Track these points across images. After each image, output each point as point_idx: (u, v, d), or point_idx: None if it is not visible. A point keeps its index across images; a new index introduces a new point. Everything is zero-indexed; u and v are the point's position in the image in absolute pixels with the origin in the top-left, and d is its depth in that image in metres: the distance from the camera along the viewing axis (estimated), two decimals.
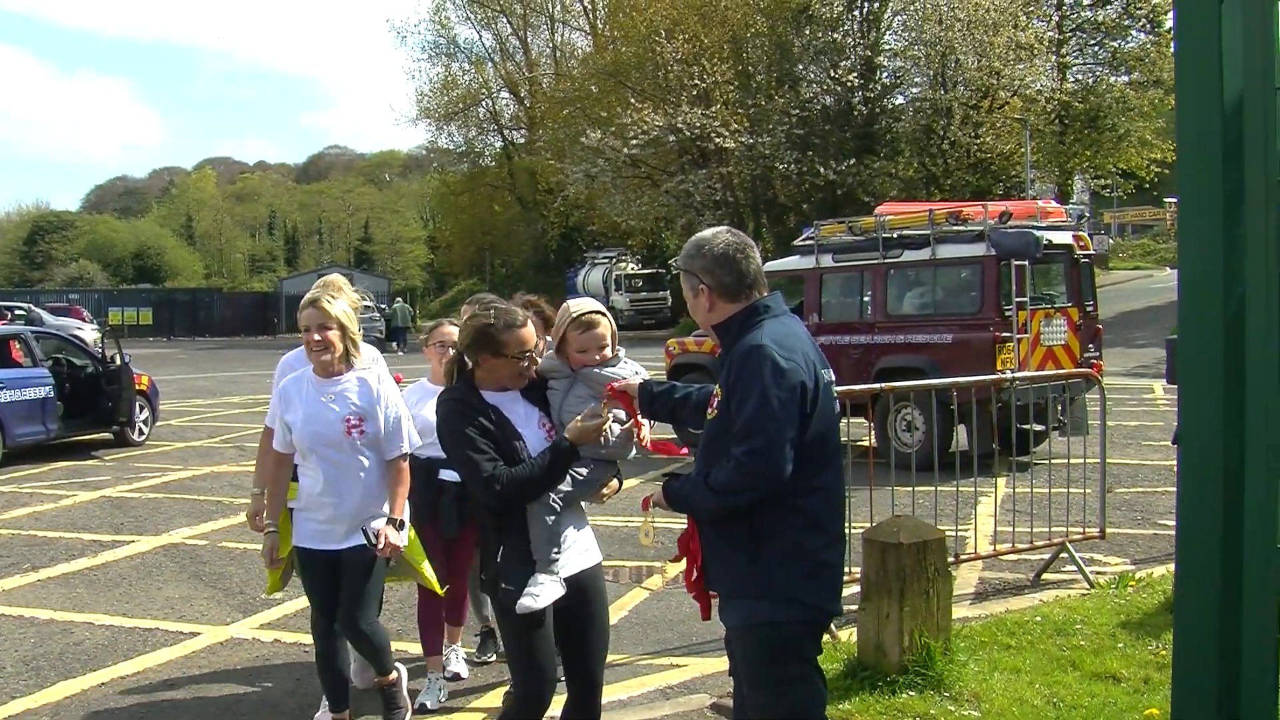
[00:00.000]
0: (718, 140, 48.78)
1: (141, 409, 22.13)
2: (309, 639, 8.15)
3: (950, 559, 9.97)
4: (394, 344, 56.58)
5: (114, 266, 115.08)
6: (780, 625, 4.68)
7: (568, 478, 5.46)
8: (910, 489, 11.32)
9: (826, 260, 18.21)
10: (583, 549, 5.67)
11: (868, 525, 8.37)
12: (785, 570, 4.64)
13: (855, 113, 50.10)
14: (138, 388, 21.83)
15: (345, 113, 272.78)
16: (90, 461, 20.41)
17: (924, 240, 17.01)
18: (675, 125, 49.01)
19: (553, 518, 5.46)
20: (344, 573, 6.71)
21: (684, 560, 5.01)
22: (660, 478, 6.63)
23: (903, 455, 15.20)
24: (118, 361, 21.45)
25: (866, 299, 17.80)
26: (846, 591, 9.03)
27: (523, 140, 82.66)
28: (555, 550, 5.44)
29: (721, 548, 4.77)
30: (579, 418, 5.41)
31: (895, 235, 17.42)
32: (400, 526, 6.70)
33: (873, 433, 14.38)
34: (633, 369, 5.69)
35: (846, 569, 8.95)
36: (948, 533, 10.11)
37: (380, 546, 6.54)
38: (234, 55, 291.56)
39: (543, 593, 5.33)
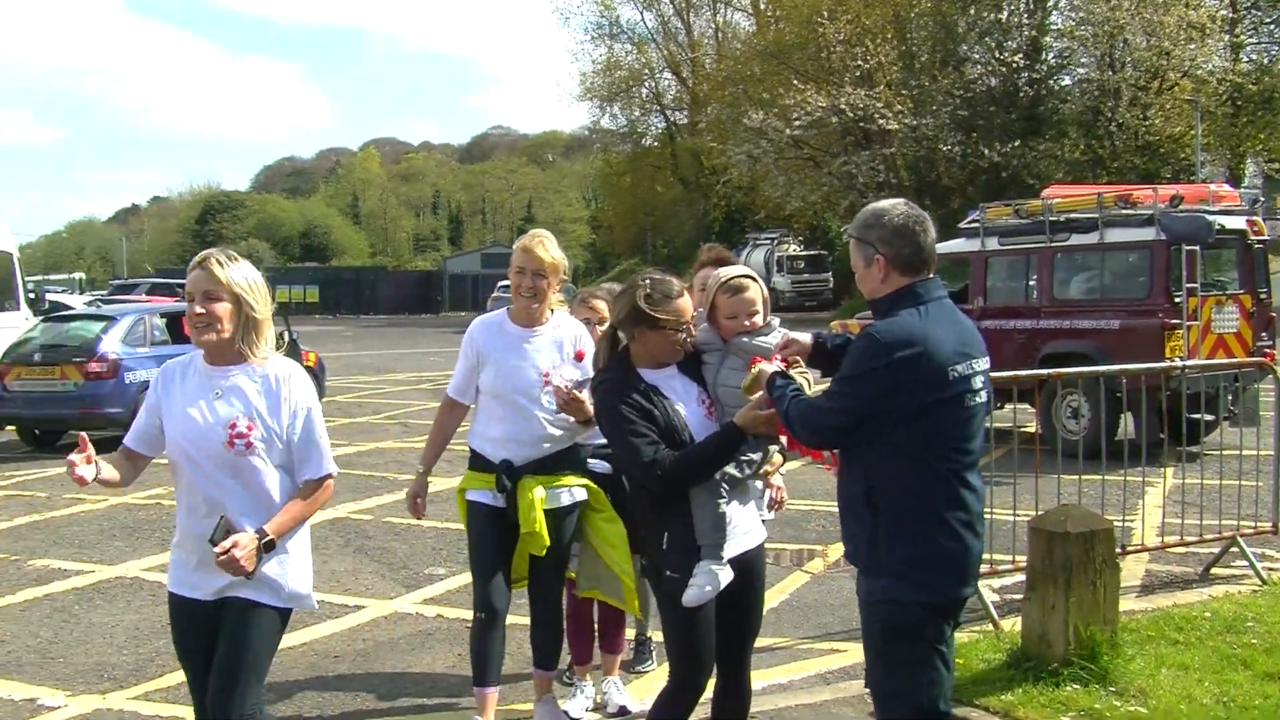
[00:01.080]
0: (881, 122, 48.29)
1: None
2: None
3: (1116, 550, 9.86)
4: None
5: (282, 245, 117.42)
6: (900, 604, 4.70)
7: (734, 458, 5.27)
8: (1076, 478, 11.10)
9: (992, 243, 17.97)
10: (746, 529, 5.48)
11: (1032, 514, 8.24)
12: (906, 550, 4.68)
13: (1020, 94, 49.20)
14: (305, 364, 22.22)
15: (508, 94, 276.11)
16: None
17: (1092, 224, 16.66)
18: (838, 106, 48.59)
19: (719, 502, 5.25)
20: (221, 635, 5.11)
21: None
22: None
23: (1068, 443, 14.93)
24: (285, 339, 21.88)
25: (1032, 283, 17.51)
26: (1011, 580, 9.01)
27: (685, 121, 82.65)
28: (721, 536, 5.24)
29: (847, 517, 4.92)
30: (750, 406, 5.18)
31: (1062, 218, 17.10)
32: (268, 550, 4.98)
33: (1038, 419, 14.18)
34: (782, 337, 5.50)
35: (1011, 558, 8.92)
36: (1116, 523, 9.97)
37: (217, 552, 4.83)
38: (399, 38, 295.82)
39: (711, 582, 5.17)
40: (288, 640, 8.85)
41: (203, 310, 5.07)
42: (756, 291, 5.48)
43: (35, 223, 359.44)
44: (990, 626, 8.56)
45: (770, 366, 5.12)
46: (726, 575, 5.21)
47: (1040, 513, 8.09)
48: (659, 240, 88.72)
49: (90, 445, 5.00)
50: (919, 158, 51.33)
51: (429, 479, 7.02)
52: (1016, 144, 46.91)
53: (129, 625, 9.54)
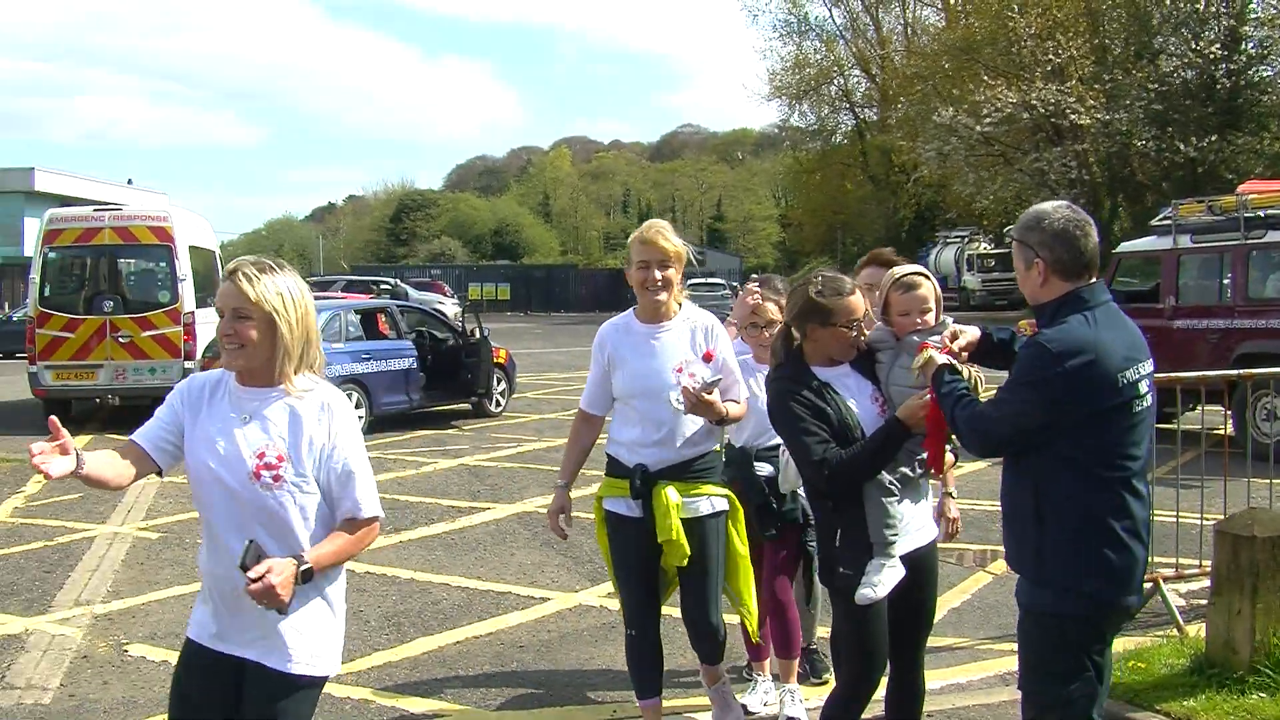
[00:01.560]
0: (1073, 117, 47.42)
1: (499, 381, 22.96)
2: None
3: None
4: None
5: (474, 243, 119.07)
6: (1065, 618, 4.71)
7: (905, 455, 5.33)
8: (1267, 481, 10.86)
9: (1185, 241, 17.62)
10: (918, 526, 5.53)
11: (1220, 518, 8.09)
12: (1072, 561, 4.67)
13: (1218, 86, 47.90)
14: (496, 361, 22.64)
15: (698, 92, 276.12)
16: (450, 430, 21.31)
17: None
18: (1029, 102, 47.86)
19: (890, 499, 5.30)
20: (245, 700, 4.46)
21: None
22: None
23: (1261, 445, 14.61)
24: (477, 335, 22.31)
25: (1226, 281, 17.13)
26: (1197, 585, 8.84)
27: (875, 118, 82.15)
28: (893, 534, 5.29)
29: (1012, 524, 4.93)
30: (914, 399, 5.22)
31: (1259, 215, 16.67)
32: (305, 580, 4.27)
33: (1230, 421, 13.87)
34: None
35: (1199, 562, 8.77)
36: None
37: (250, 577, 4.13)
38: (588, 35, 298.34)
39: (883, 580, 5.21)
40: (476, 629, 9.15)
41: (230, 331, 4.41)
42: (929, 289, 5.52)
43: (237, 220, 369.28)
44: (1174, 631, 8.44)
45: (941, 357, 5.11)
46: (898, 573, 5.26)
47: (1227, 516, 7.93)
48: (849, 238, 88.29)
49: (65, 433, 4.18)
50: (1112, 153, 50.31)
51: (570, 494, 6.72)
52: (1214, 138, 45.70)
53: None
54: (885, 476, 5.31)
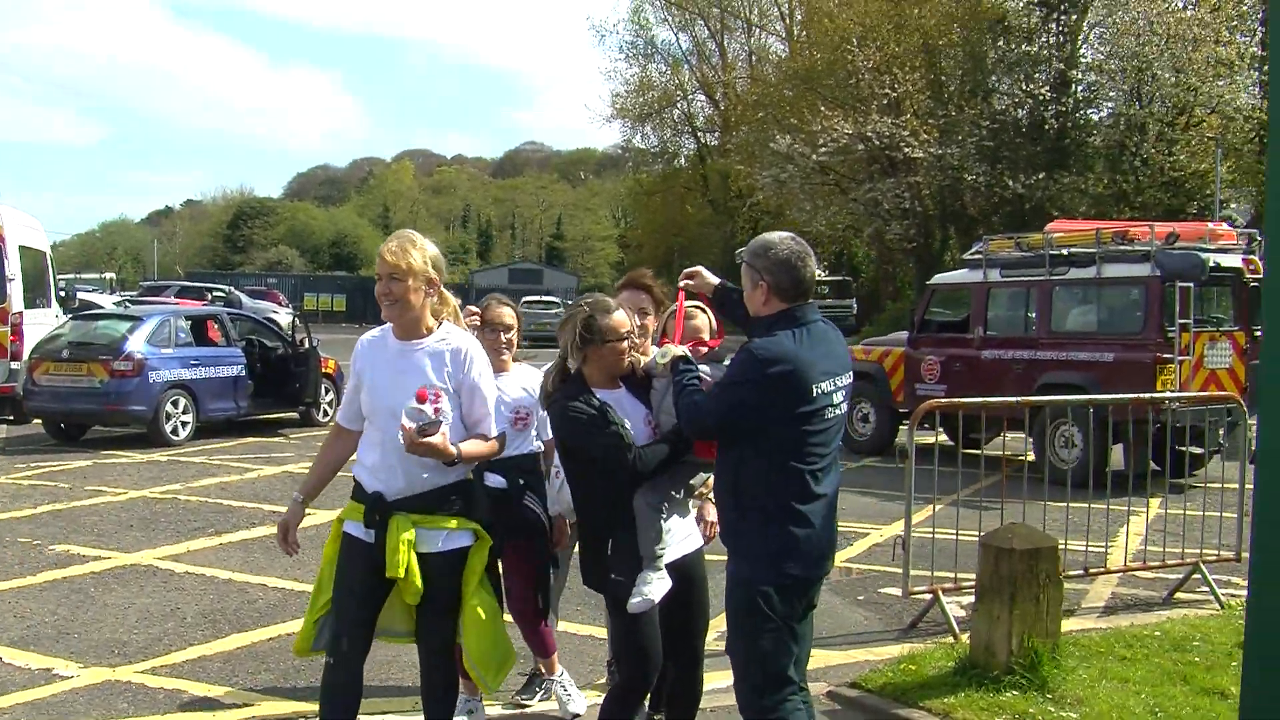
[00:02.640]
0: (907, 150, 48.49)
1: (327, 391, 23.12)
2: None
3: (1081, 573, 10.29)
4: None
5: (311, 253, 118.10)
6: (755, 587, 5.43)
7: (669, 480, 5.87)
8: (1064, 504, 11.54)
9: (994, 275, 18.34)
10: (684, 535, 6.07)
11: None
12: (761, 538, 5.41)
13: (1047, 126, 49.36)
14: (324, 370, 22.81)
15: (545, 110, 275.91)
16: (276, 439, 21.45)
17: (1090, 258, 17.00)
18: (864, 134, 48.86)
19: (659, 517, 5.80)
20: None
21: None
22: None
23: (1059, 471, 15.41)
24: (306, 345, 22.45)
25: (1032, 315, 17.90)
26: (971, 599, 9.39)
27: (716, 143, 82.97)
28: (661, 547, 5.77)
29: (718, 499, 5.80)
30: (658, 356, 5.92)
31: (1063, 253, 17.49)
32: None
33: (1031, 448, 14.57)
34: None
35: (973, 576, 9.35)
36: (1091, 547, 10.41)
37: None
38: (439, 48, 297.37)
39: (653, 589, 5.70)
40: (291, 625, 9.42)
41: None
42: (705, 321, 6.38)
43: (72, 221, 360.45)
44: (950, 639, 9.01)
45: (677, 349, 5.86)
46: (666, 583, 5.77)
47: (991, 530, 8.53)
48: (686, 261, 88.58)
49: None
50: (944, 186, 51.49)
51: (306, 510, 6.44)
52: (1041, 176, 47.03)
53: (141, 607, 10.07)
54: (653, 497, 5.80)
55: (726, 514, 5.64)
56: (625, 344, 5.97)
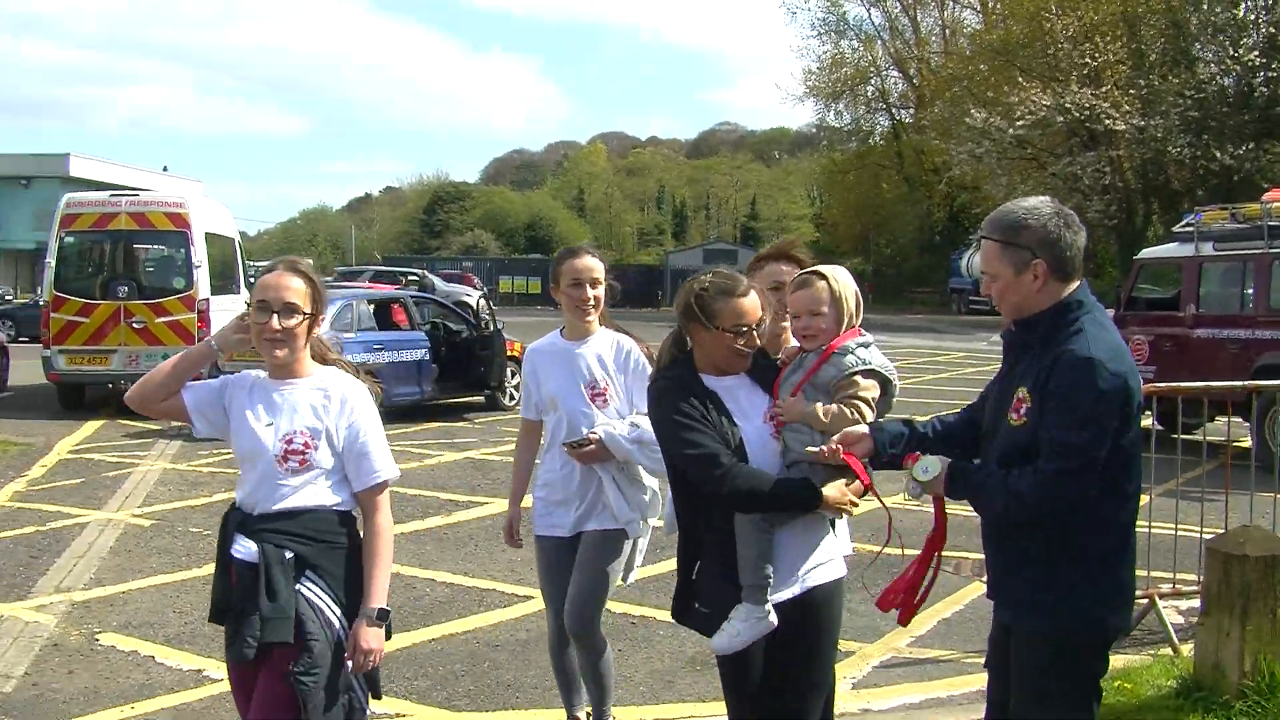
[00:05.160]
0: (1107, 122, 46.97)
1: (513, 374, 22.72)
2: (641, 610, 8.24)
3: None
4: None
5: (506, 236, 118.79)
6: (1074, 642, 4.36)
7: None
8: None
9: (1207, 248, 17.25)
10: (815, 563, 4.82)
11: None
12: (1088, 586, 4.31)
13: (1256, 94, 47.40)
14: (510, 354, 22.44)
15: (741, 90, 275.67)
16: (460, 423, 21.17)
17: None
18: (1063, 105, 47.41)
19: (765, 535, 4.65)
20: None
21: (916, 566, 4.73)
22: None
23: None
24: (491, 328, 22.14)
25: (1249, 291, 16.76)
26: (1197, 603, 8.54)
27: (910, 120, 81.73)
28: (765, 577, 4.62)
29: (1015, 555, 4.41)
30: (836, 481, 4.59)
31: None
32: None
33: (1251, 434, 13.57)
34: (874, 358, 4.81)
35: (1198, 578, 8.51)
36: None
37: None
38: (636, 31, 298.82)
39: (745, 630, 4.60)
40: (453, 626, 9.01)
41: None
42: (824, 289, 4.83)
43: (275, 210, 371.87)
44: (1169, 650, 8.16)
45: (928, 464, 4.44)
46: (765, 625, 4.61)
47: (1221, 533, 7.65)
48: (882, 239, 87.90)
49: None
50: (1146, 160, 49.84)
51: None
52: (1250, 146, 45.21)
53: None
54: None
55: (1032, 560, 4.35)
56: (746, 340, 4.80)
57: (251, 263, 33.78)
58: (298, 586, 4.62)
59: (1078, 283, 4.40)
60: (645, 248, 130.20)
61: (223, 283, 23.87)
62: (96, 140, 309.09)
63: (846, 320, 4.84)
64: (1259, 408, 15.04)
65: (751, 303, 4.80)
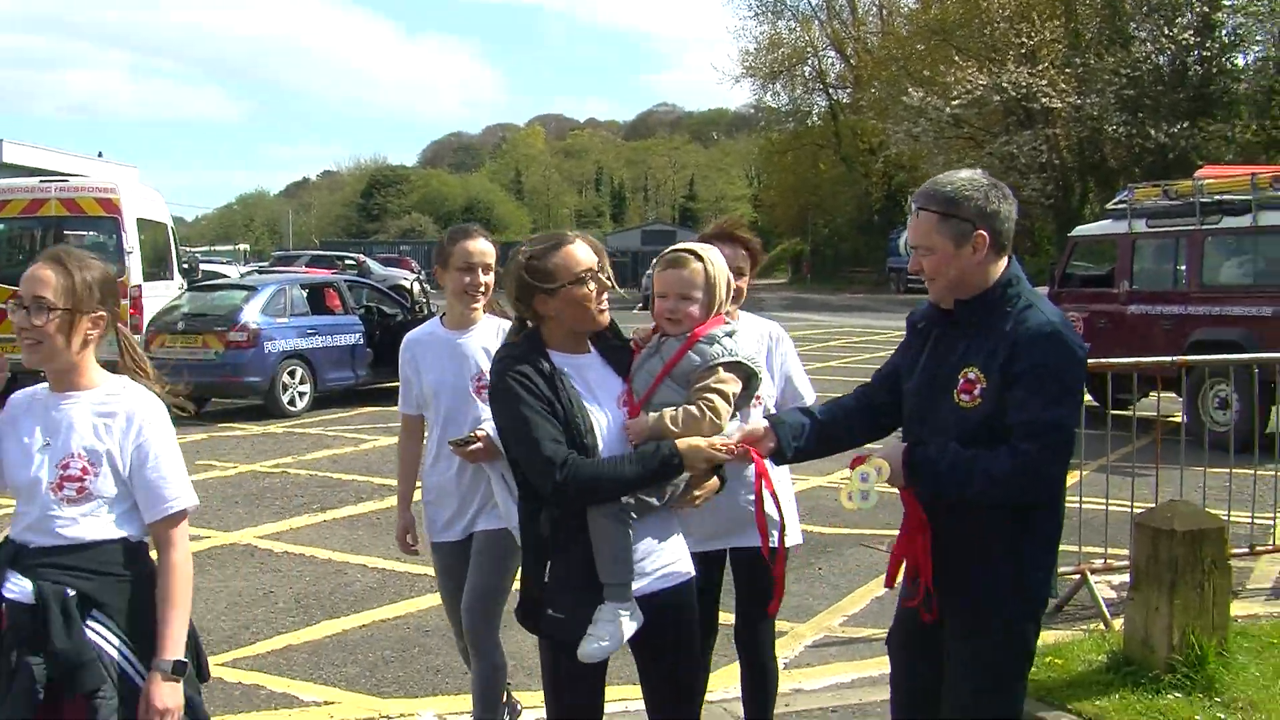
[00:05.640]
0: (1044, 100, 47.22)
1: None
2: None
3: (1245, 550, 9.37)
4: None
5: (445, 219, 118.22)
6: (1029, 625, 4.29)
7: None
8: (1227, 471, 10.58)
9: (1140, 225, 17.24)
10: (665, 560, 4.37)
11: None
12: (1041, 569, 4.24)
13: (1190, 73, 47.80)
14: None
15: (680, 72, 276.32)
16: (394, 407, 20.88)
17: (1245, 206, 15.85)
18: (1000, 84, 47.63)
19: (625, 529, 4.20)
20: None
21: (903, 565, 4.43)
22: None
23: (1216, 434, 14.36)
24: (426, 312, 21.98)
25: (1182, 267, 16.80)
26: (1123, 579, 8.57)
27: (848, 100, 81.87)
28: (627, 571, 4.18)
29: (972, 540, 4.21)
30: (696, 437, 4.19)
31: (1214, 200, 16.36)
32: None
33: (1184, 409, 13.63)
34: (740, 349, 4.40)
35: (1130, 552, 8.51)
36: (1254, 520, 9.51)
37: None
38: (574, 13, 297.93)
39: (612, 633, 4.11)
40: (384, 611, 8.98)
41: None
42: (699, 271, 4.40)
43: (214, 195, 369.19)
44: (1100, 625, 8.15)
45: (876, 465, 4.21)
46: (634, 623, 4.16)
47: (1149, 509, 7.63)
48: (820, 220, 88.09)
49: None
50: (1083, 138, 50.17)
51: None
52: (1185, 125, 45.56)
53: (233, 591, 9.59)
54: (615, 504, 4.21)
55: (994, 551, 4.17)
56: (590, 287, 4.29)
57: (186, 248, 33.43)
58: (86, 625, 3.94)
59: (1008, 257, 4.29)
60: (583, 229, 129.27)
61: (156, 269, 23.56)
62: (32, 126, 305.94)
63: (716, 306, 4.43)
64: (1190, 383, 15.11)
65: (583, 249, 4.34)
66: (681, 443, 4.15)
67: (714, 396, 4.27)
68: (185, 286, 23.99)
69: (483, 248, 5.88)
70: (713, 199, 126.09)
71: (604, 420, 4.27)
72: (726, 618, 5.66)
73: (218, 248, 79.91)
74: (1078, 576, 8.67)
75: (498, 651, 5.87)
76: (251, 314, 19.60)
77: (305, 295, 21.17)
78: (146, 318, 21.20)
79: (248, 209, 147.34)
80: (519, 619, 4.36)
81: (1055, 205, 51.84)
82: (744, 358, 4.37)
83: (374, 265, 53.90)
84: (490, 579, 5.79)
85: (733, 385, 4.33)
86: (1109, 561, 8.76)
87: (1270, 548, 9.69)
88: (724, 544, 5.36)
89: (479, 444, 5.23)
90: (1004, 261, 4.26)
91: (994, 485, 4.04)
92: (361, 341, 21.02)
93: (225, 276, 34.13)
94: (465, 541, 5.89)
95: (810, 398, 5.62)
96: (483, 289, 5.87)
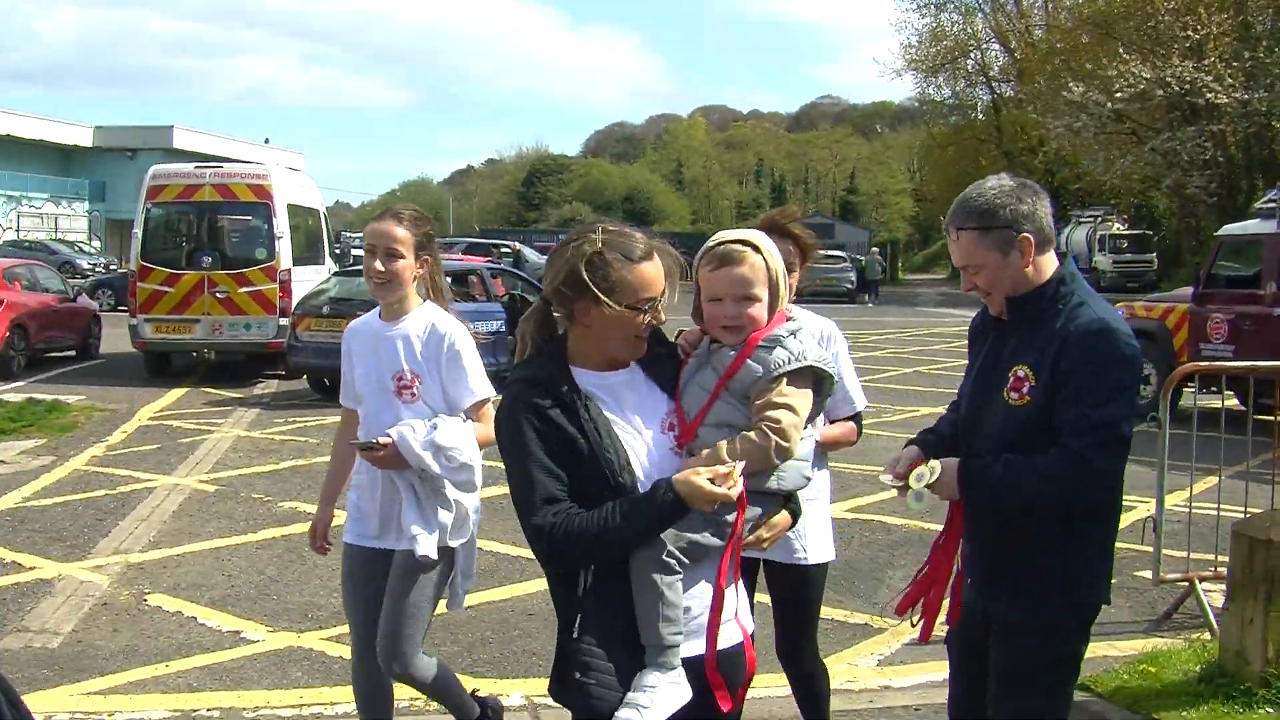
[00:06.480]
0: (1210, 95, 46.13)
1: None
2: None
3: None
4: (865, 295, 56.59)
5: (604, 209, 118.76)
6: (1074, 629, 4.24)
7: (700, 516, 3.47)
8: None
9: None
10: (725, 617, 3.62)
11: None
12: (1089, 574, 4.19)
13: None
14: None
15: (845, 64, 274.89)
16: None
17: None
18: (1164, 79, 46.63)
19: (672, 579, 3.49)
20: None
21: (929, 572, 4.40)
22: None
23: None
24: None
25: None
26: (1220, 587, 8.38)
27: (1012, 94, 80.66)
28: (675, 632, 3.48)
29: (1019, 546, 4.19)
30: (700, 466, 3.47)
31: None
32: None
33: None
34: (808, 350, 3.69)
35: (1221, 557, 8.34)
36: None
37: None
38: (742, 5, 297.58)
39: (655, 702, 3.43)
40: (491, 595, 9.23)
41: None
42: (758, 266, 3.68)
43: (379, 182, 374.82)
44: (1207, 635, 8.00)
45: (925, 473, 4.11)
46: (681, 693, 3.49)
47: (1248, 516, 7.48)
48: None
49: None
50: (1250, 134, 48.92)
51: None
52: None
53: None
54: (659, 545, 3.49)
55: (1042, 550, 4.14)
56: (645, 317, 3.61)
57: (348, 234, 33.98)
58: None
59: (1060, 255, 4.28)
60: (744, 221, 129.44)
61: (307, 254, 24.15)
62: (205, 112, 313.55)
63: (779, 304, 3.73)
64: None
65: (656, 268, 3.65)
66: (678, 479, 3.43)
67: (780, 415, 3.56)
68: (334, 271, 24.50)
69: (384, 229, 5.41)
70: (874, 192, 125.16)
71: (644, 450, 3.61)
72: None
73: None
74: (1186, 585, 8.54)
75: (427, 668, 5.54)
76: None
77: (449, 282, 21.45)
78: (295, 301, 21.70)
79: (410, 196, 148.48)
80: (550, 690, 3.71)
81: (1220, 203, 50.64)
82: (813, 360, 3.67)
83: (529, 253, 54.22)
84: (405, 608, 5.39)
85: (801, 399, 3.63)
86: (1218, 570, 8.62)
87: None
88: (758, 554, 4.39)
89: (383, 450, 5.13)
90: (1054, 259, 4.24)
91: (1047, 484, 4.01)
92: (503, 329, 21.24)
93: None
94: (379, 552, 5.51)
95: (861, 402, 5.50)
96: (383, 277, 5.41)
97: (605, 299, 3.54)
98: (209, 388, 21.45)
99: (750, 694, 4.05)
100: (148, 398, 20.10)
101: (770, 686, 6.74)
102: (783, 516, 3.73)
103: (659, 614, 3.46)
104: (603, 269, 3.56)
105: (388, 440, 5.06)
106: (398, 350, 5.41)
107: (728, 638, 3.63)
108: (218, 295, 22.01)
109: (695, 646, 3.56)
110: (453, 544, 5.40)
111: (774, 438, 3.52)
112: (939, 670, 7.57)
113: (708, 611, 3.56)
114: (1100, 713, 6.68)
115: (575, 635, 3.54)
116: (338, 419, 6.02)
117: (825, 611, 5.83)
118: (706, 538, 3.50)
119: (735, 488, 3.39)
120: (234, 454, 14.99)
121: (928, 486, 4.13)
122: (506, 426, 3.60)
